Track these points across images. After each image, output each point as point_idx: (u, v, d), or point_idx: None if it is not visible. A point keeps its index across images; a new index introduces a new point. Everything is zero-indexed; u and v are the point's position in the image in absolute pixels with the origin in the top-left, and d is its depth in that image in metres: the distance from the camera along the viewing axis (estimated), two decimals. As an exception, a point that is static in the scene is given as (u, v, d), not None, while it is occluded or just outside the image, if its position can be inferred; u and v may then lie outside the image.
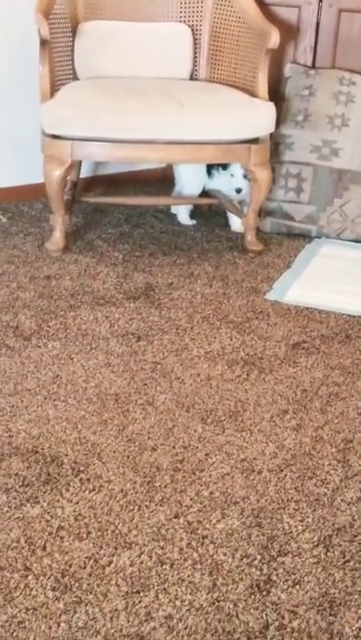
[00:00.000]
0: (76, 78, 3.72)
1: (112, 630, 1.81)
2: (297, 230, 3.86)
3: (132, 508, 2.17)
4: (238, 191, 3.71)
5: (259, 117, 3.46)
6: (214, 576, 1.97)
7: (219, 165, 3.76)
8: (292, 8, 3.91)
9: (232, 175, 3.69)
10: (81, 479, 2.25)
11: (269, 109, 3.48)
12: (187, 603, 1.89)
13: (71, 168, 3.47)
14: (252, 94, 3.59)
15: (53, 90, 3.46)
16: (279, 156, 3.78)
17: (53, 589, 1.90)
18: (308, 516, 2.17)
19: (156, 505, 2.18)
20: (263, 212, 3.79)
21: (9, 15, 3.75)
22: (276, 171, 3.74)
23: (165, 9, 3.86)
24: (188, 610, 1.88)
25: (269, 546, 2.07)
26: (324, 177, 3.76)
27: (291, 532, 2.11)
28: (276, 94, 3.75)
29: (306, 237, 3.87)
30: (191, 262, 3.57)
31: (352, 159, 3.74)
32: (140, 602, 1.89)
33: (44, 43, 3.36)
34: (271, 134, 3.55)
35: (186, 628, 1.83)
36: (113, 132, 3.32)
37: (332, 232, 3.82)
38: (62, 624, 1.82)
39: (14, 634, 1.79)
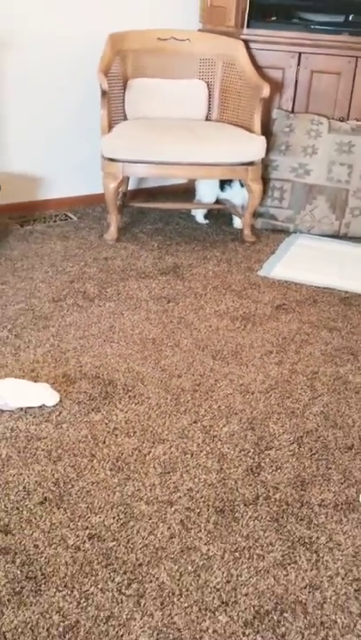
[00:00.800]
0: (125, 119, 3.69)
1: (151, 498, 1.85)
2: (280, 227, 3.83)
3: (164, 415, 2.20)
4: None
5: (253, 147, 3.43)
6: (221, 463, 2.00)
7: (230, 182, 3.76)
8: (278, 69, 3.86)
9: None
10: (129, 396, 2.28)
11: (261, 141, 3.46)
12: (202, 480, 1.93)
13: (122, 182, 3.46)
14: (250, 130, 3.57)
15: (110, 126, 3.43)
16: (268, 175, 3.75)
17: (110, 470, 1.94)
18: (286, 423, 2.20)
19: (180, 414, 2.21)
20: (256, 214, 3.76)
21: (78, 73, 3.73)
22: (265, 185, 3.72)
23: (188, 70, 3.82)
24: (203, 485, 1.91)
25: (259, 443, 2.10)
26: (299, 189, 3.74)
27: (274, 434, 2.14)
28: (267, 130, 3.72)
29: (286, 232, 3.84)
30: (205, 249, 3.57)
31: (319, 177, 3.71)
32: (170, 479, 1.92)
33: (103, 93, 3.34)
34: (263, 159, 3.52)
35: (201, 497, 1.86)
36: (151, 156, 3.30)
37: (305, 229, 3.80)
38: (117, 493, 1.86)
39: (84, 499, 1.83)
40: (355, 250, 3.65)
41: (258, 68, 3.81)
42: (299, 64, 3.88)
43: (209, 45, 3.85)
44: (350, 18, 3.88)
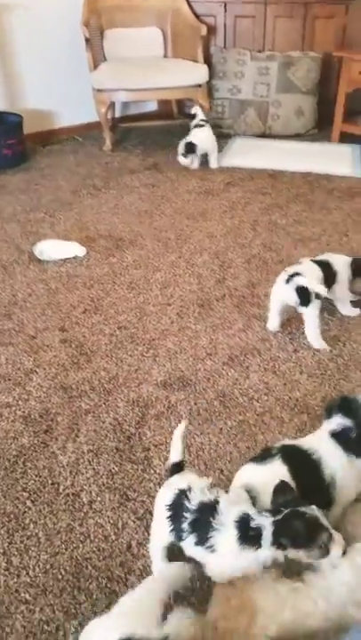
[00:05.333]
0: (105, 59, 3.37)
1: (156, 302, 1.86)
2: (224, 133, 3.56)
3: (158, 255, 2.17)
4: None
5: (199, 72, 3.18)
6: (199, 279, 2.00)
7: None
8: (211, 17, 3.52)
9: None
10: (133, 245, 2.25)
11: (204, 68, 3.20)
12: (187, 290, 1.92)
13: (110, 107, 3.23)
14: (196, 62, 3.30)
15: (96, 65, 3.16)
16: (213, 95, 3.51)
17: (127, 289, 1.94)
18: (238, 252, 2.18)
19: (169, 253, 2.18)
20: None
21: (68, 25, 3.36)
22: (211, 102, 3.48)
23: (147, 20, 3.47)
24: (189, 292, 1.90)
25: (222, 265, 2.09)
26: (235, 104, 3.51)
27: (232, 259, 2.13)
28: (208, 62, 3.43)
29: (228, 136, 3.62)
30: (174, 152, 3.31)
31: (247, 94, 3.47)
32: (167, 291, 1.92)
33: (87, 40, 3.06)
34: (207, 83, 3.28)
35: (188, 299, 1.87)
36: (128, 84, 3.06)
37: (240, 132, 3.58)
38: (133, 302, 1.86)
39: (112, 307, 1.83)
40: (275, 143, 3.49)
41: (196, 16, 3.48)
42: (225, 11, 3.55)
43: (161, 1, 3.47)
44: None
